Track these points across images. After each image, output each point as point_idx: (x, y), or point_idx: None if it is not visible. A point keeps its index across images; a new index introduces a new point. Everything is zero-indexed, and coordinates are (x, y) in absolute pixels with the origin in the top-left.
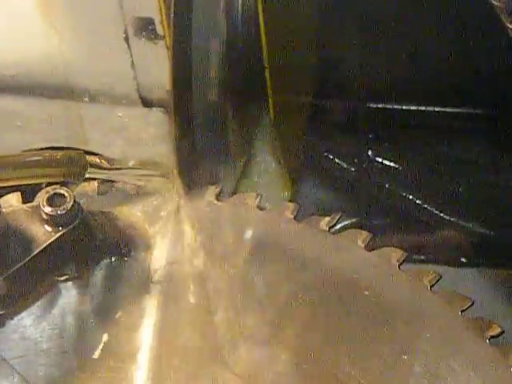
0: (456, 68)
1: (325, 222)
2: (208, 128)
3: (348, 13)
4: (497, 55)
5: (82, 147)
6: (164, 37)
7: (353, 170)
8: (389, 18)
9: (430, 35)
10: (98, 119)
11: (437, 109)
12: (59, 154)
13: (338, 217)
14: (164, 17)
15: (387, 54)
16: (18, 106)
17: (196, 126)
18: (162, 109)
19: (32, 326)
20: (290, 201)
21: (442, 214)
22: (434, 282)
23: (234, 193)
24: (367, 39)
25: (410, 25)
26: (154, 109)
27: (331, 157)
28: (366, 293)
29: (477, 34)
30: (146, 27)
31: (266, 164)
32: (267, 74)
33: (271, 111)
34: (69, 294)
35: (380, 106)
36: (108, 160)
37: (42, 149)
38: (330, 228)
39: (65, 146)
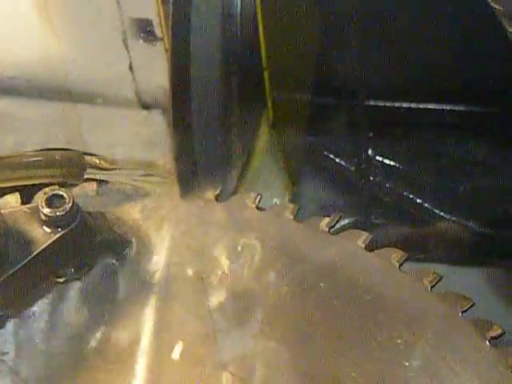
0: (457, 66)
1: (325, 222)
2: (207, 129)
3: (348, 11)
4: (501, 54)
5: (81, 149)
6: (162, 38)
7: (353, 169)
8: (389, 17)
9: (432, 33)
10: (96, 121)
11: (437, 107)
12: (58, 154)
13: (337, 217)
14: (162, 18)
15: (387, 52)
16: (16, 108)
17: (195, 128)
18: (161, 110)
19: (30, 326)
20: (290, 200)
21: (442, 213)
22: (434, 283)
23: (234, 193)
24: (367, 37)
25: (411, 23)
26: (153, 110)
27: (331, 156)
28: (366, 293)
29: (479, 32)
30: (144, 29)
31: (266, 164)
32: (266, 75)
33: (270, 111)
34: (68, 295)
35: (380, 104)
36: (107, 161)
37: (40, 150)
38: (329, 228)
39: (63, 147)
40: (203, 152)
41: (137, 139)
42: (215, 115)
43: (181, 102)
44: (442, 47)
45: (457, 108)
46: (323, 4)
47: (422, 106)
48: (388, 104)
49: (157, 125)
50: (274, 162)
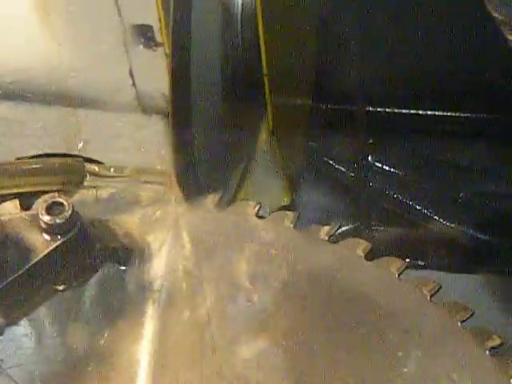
0: (457, 73)
1: (324, 231)
2: (207, 135)
3: (347, 18)
4: (498, 60)
5: (80, 154)
6: (163, 44)
7: (352, 174)
8: (388, 24)
9: (429, 41)
10: (96, 126)
11: (436, 114)
12: (58, 162)
13: (337, 226)
14: (163, 24)
15: (386, 59)
16: (16, 113)
17: (195, 133)
18: (161, 116)
19: (30, 334)
20: (289, 206)
21: (440, 219)
22: (433, 292)
23: (233, 197)
24: (366, 44)
25: (409, 30)
26: (153, 116)
27: (330, 162)
28: (365, 302)
29: (476, 39)
30: (144, 35)
31: (265, 170)
32: (266, 81)
33: (270, 117)
34: (67, 303)
35: (379, 110)
36: (106, 168)
37: (40, 155)
38: (329, 237)
39: (63, 152)
40: (203, 157)
41: (137, 144)
42: (215, 120)
43: (181, 107)
44: (442, 54)
45: (456, 114)
46: (322, 10)
47: (421, 112)
48: (388, 110)
49: (157, 130)
50: (274, 166)
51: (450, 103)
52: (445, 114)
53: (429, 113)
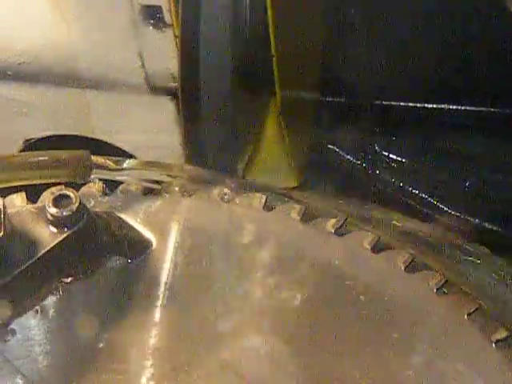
0: (462, 67)
1: (331, 223)
2: (216, 117)
3: (354, 10)
4: (502, 53)
5: (89, 135)
6: (172, 25)
7: (358, 163)
8: (395, 16)
9: (435, 34)
10: (105, 107)
11: (443, 106)
12: (65, 154)
13: (344, 218)
14: (172, 5)
15: (393, 51)
16: (25, 94)
17: (203, 114)
18: (170, 97)
19: (37, 327)
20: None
21: (446, 208)
22: (440, 285)
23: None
24: (373, 36)
25: (415, 24)
26: (162, 97)
27: (337, 150)
28: (371, 295)
29: (482, 32)
30: (153, 15)
31: (273, 154)
32: (275, 64)
33: (278, 103)
34: (74, 296)
35: (385, 103)
36: (114, 161)
37: (48, 138)
38: (336, 229)
39: (71, 133)
40: (211, 138)
41: (145, 125)
42: (224, 101)
43: (190, 88)
44: (447, 48)
45: (462, 107)
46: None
47: (428, 105)
48: (393, 103)
49: (165, 110)
50: (281, 152)
51: (456, 97)
52: (451, 107)
53: (435, 106)
